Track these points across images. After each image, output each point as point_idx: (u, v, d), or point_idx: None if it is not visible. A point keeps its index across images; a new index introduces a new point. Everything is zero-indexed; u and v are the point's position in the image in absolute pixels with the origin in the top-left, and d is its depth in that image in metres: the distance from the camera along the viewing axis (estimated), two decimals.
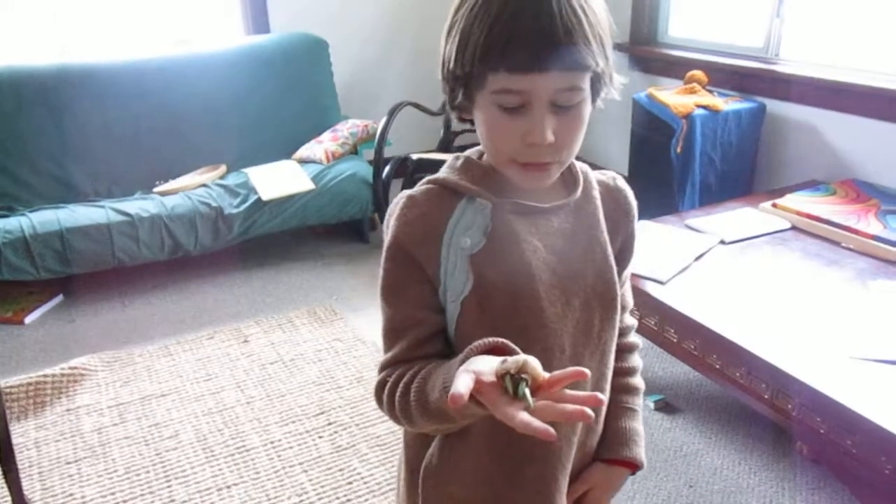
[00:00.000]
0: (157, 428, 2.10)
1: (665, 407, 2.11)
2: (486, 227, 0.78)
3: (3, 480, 1.66)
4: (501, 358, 0.64)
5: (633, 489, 1.80)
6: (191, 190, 2.99)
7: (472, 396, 0.61)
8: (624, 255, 0.88)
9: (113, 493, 1.85)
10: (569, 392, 0.62)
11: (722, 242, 2.12)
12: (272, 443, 2.02)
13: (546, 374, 0.62)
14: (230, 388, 2.28)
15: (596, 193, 0.85)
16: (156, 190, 3.03)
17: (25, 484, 1.82)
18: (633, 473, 0.94)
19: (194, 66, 3.27)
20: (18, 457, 1.80)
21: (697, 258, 2.03)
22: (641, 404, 0.97)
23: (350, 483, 1.86)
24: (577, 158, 0.82)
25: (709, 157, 2.71)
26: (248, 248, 3.19)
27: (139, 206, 2.85)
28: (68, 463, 1.97)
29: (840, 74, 2.55)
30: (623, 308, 0.91)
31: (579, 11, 0.68)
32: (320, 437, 2.04)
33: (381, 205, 3.18)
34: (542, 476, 0.83)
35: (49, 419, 2.16)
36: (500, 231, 0.78)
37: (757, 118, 2.77)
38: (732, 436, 1.99)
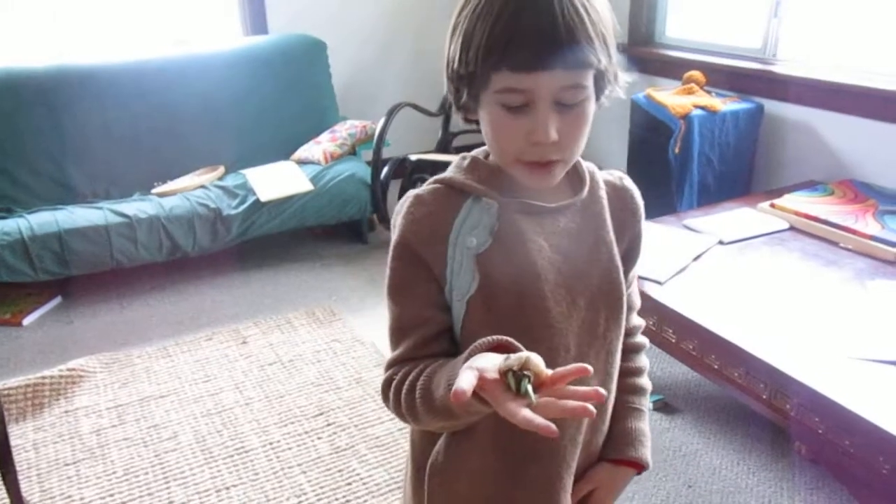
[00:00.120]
0: (155, 429, 2.10)
1: (664, 407, 2.11)
2: (492, 227, 0.78)
3: (1, 482, 1.65)
4: (505, 355, 0.64)
5: (632, 489, 1.80)
6: (189, 191, 2.99)
7: (475, 393, 0.62)
8: (630, 255, 0.89)
9: (112, 495, 1.85)
10: (570, 388, 0.63)
11: (720, 243, 2.12)
12: (271, 444, 2.02)
13: (549, 371, 0.63)
14: (229, 390, 2.28)
15: (603, 193, 0.85)
16: (154, 191, 3.02)
17: (24, 486, 1.81)
18: (639, 474, 0.94)
19: (193, 67, 3.27)
20: (17, 458, 1.80)
21: (696, 258, 2.03)
22: (648, 405, 0.97)
23: (349, 484, 1.86)
24: None
25: (707, 158, 2.71)
26: (247, 250, 3.19)
27: (137, 207, 2.85)
28: (67, 464, 1.97)
29: (837, 75, 2.56)
30: (631, 308, 0.92)
31: (581, 9, 0.69)
32: (319, 438, 2.04)
33: (379, 205, 3.18)
34: (546, 475, 0.83)
35: (47, 421, 2.16)
36: (506, 230, 0.78)
37: (755, 118, 2.78)
38: (731, 436, 1.99)
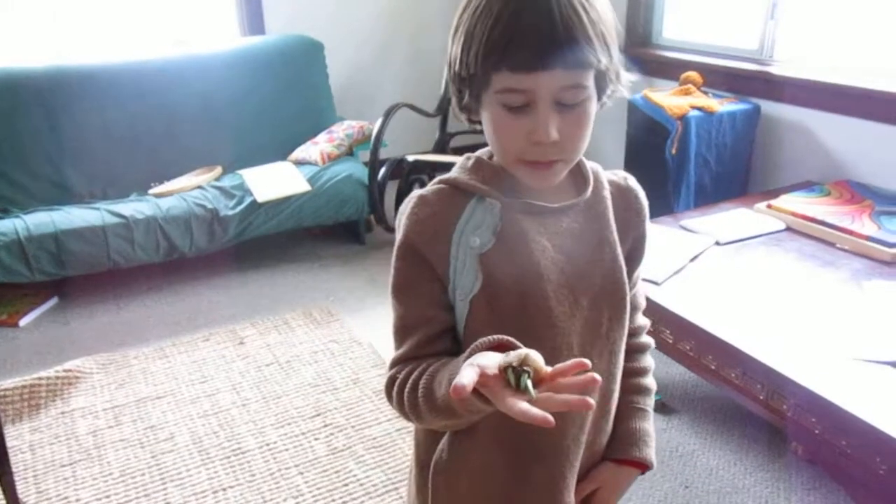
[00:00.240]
0: (152, 430, 2.10)
1: (661, 408, 2.12)
2: (495, 227, 0.78)
3: None
4: (505, 353, 0.65)
5: (629, 490, 1.80)
6: (186, 192, 2.98)
7: (475, 390, 0.62)
8: (635, 256, 0.89)
9: (108, 496, 1.84)
10: (564, 380, 0.63)
11: (717, 243, 2.13)
12: (268, 445, 2.02)
13: (548, 368, 0.63)
14: (226, 391, 2.28)
15: (606, 193, 0.86)
16: (151, 192, 3.02)
17: (20, 487, 1.81)
18: (643, 474, 0.94)
19: (190, 68, 3.26)
20: (13, 460, 1.80)
21: (692, 259, 2.03)
22: (653, 405, 0.97)
23: (346, 485, 1.86)
24: None
25: (704, 159, 2.71)
26: (244, 250, 3.19)
27: (134, 207, 2.85)
28: (63, 466, 1.96)
29: (834, 76, 2.56)
30: (635, 308, 0.92)
31: (580, 9, 0.69)
32: (316, 439, 2.04)
33: (376, 206, 3.18)
34: (550, 474, 0.84)
35: (44, 422, 2.15)
36: (510, 231, 0.79)
37: (751, 119, 2.78)
38: (728, 436, 1.99)
